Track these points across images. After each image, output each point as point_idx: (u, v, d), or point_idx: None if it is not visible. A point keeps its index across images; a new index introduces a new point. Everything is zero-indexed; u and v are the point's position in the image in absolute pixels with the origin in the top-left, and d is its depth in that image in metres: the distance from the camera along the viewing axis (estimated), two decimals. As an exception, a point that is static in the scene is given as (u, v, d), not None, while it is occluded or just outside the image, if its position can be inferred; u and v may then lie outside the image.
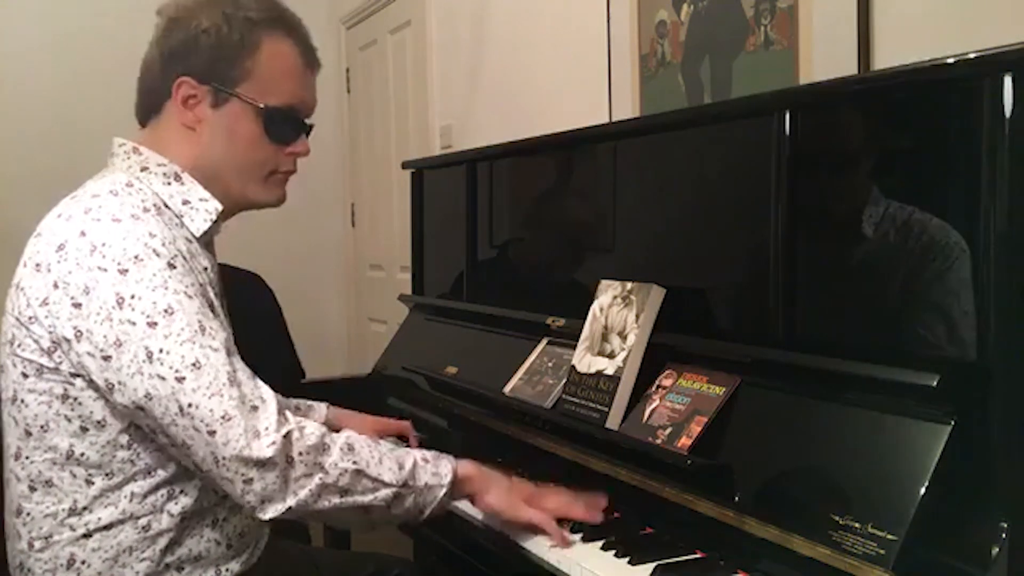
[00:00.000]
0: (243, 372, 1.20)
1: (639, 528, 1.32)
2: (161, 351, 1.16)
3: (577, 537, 1.30)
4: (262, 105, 1.32)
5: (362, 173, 4.15)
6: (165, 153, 1.32)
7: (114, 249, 1.19)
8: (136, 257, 1.18)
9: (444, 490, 1.29)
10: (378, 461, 1.24)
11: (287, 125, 1.35)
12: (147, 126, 1.36)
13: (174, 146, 1.33)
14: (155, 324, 1.16)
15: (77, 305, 1.18)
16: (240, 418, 1.15)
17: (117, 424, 1.23)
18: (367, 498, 1.23)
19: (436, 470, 1.30)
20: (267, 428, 1.16)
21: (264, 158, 1.35)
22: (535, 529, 1.32)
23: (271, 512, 1.18)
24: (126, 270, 1.18)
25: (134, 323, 1.16)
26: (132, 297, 1.17)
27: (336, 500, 1.21)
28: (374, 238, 4.02)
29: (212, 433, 1.15)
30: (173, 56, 1.31)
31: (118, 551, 1.24)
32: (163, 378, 1.15)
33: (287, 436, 1.17)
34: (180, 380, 1.15)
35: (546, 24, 2.64)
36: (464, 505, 1.46)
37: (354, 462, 1.22)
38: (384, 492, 1.24)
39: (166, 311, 1.17)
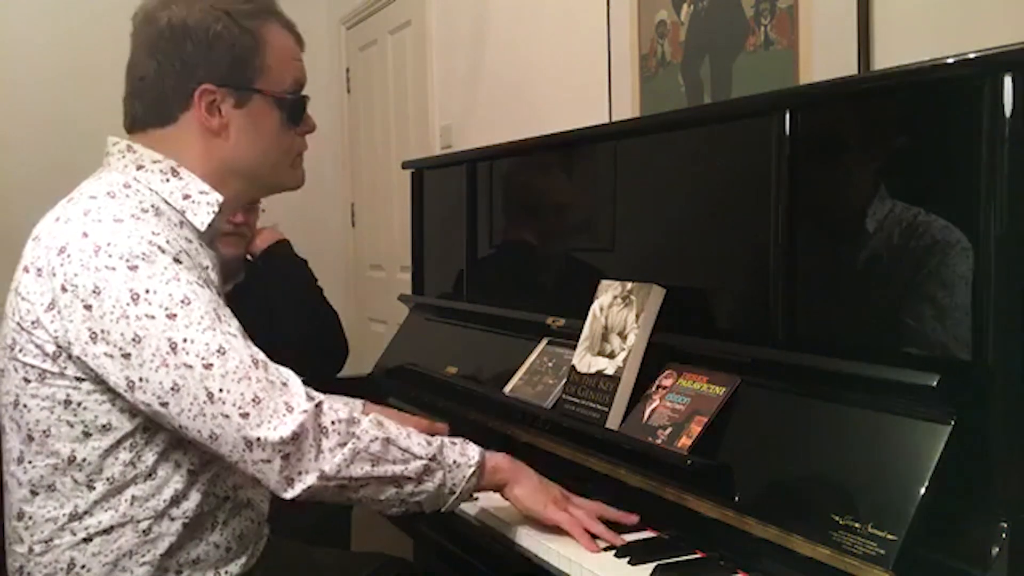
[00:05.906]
0: (262, 355, 1.22)
1: (639, 528, 1.32)
2: (185, 340, 1.16)
3: (601, 547, 1.27)
4: (283, 96, 1.34)
5: (362, 173, 4.14)
6: (182, 158, 1.30)
7: (120, 247, 1.18)
8: (144, 254, 1.18)
9: (472, 470, 1.30)
10: (407, 436, 1.27)
11: (298, 107, 1.38)
12: (148, 133, 1.32)
13: (194, 151, 1.31)
14: (175, 315, 1.16)
15: (88, 307, 1.17)
16: (270, 398, 1.17)
17: (123, 428, 1.23)
18: (398, 468, 1.24)
19: (464, 451, 1.31)
20: (298, 401, 1.19)
21: (290, 144, 1.38)
22: (559, 531, 1.31)
23: (308, 481, 1.18)
24: (135, 267, 1.17)
25: (153, 316, 1.16)
26: (147, 292, 1.16)
27: (367, 467, 1.22)
28: (374, 238, 4.02)
29: (245, 416, 1.16)
30: (186, 66, 1.28)
31: (118, 555, 1.24)
32: (190, 366, 1.16)
33: (319, 406, 1.20)
34: (208, 367, 1.16)
35: (546, 24, 2.64)
36: (464, 505, 1.47)
37: (384, 431, 1.24)
38: (415, 464, 1.25)
39: (183, 301, 1.17)
